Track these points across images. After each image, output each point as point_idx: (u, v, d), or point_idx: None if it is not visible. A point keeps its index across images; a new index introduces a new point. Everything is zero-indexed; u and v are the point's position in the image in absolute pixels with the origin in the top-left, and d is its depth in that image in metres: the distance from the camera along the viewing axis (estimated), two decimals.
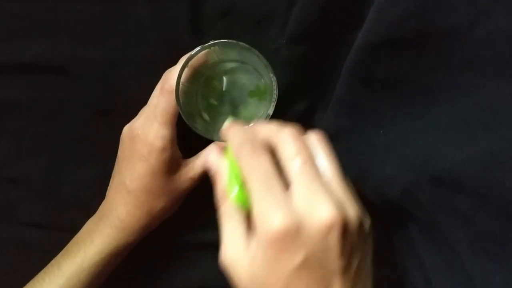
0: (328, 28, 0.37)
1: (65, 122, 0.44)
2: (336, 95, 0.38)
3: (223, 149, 0.32)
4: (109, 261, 0.38)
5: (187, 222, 0.44)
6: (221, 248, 0.29)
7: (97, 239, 0.38)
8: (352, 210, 0.28)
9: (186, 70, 0.36)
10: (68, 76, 0.42)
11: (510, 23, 0.26)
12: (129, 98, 0.41)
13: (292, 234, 0.26)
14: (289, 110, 0.43)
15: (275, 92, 0.36)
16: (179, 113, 0.37)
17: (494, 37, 0.26)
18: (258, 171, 0.28)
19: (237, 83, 0.40)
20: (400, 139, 0.34)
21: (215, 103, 0.40)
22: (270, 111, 0.37)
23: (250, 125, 0.32)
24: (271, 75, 0.36)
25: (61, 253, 0.39)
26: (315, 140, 0.30)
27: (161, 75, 0.38)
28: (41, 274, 0.38)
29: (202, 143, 0.40)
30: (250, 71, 0.40)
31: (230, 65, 0.40)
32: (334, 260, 0.27)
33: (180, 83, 0.36)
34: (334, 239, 0.26)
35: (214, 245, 0.44)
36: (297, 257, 0.26)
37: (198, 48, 0.36)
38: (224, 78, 0.40)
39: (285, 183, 0.28)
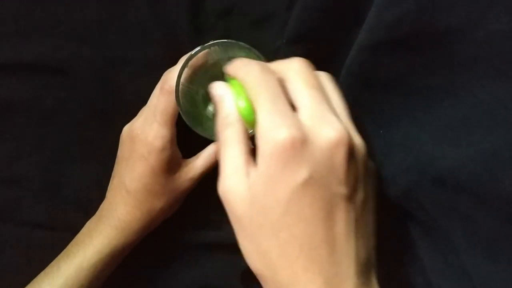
0: (328, 28, 0.37)
1: (65, 122, 0.44)
2: None
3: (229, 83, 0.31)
4: (109, 261, 0.38)
5: (187, 222, 0.44)
6: (220, 177, 0.28)
7: (96, 240, 0.38)
8: (359, 139, 0.27)
9: (186, 70, 0.36)
10: (68, 76, 0.42)
11: (510, 23, 0.26)
12: (129, 98, 0.41)
13: (298, 147, 0.25)
14: None
15: None
16: (179, 113, 0.37)
17: (494, 37, 0.26)
18: (266, 87, 0.27)
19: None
20: (400, 139, 0.34)
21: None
22: None
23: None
24: None
25: (61, 254, 0.39)
26: (325, 77, 0.30)
27: (161, 75, 0.38)
28: (41, 275, 0.38)
29: (202, 143, 0.40)
30: None
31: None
32: (339, 183, 0.26)
33: (180, 83, 0.36)
34: (340, 159, 0.25)
35: (214, 245, 0.44)
36: (301, 173, 0.25)
37: (198, 48, 0.36)
38: (224, 78, 0.40)
39: (293, 108, 0.27)
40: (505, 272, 0.27)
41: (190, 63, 0.36)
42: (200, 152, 0.40)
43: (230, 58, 0.39)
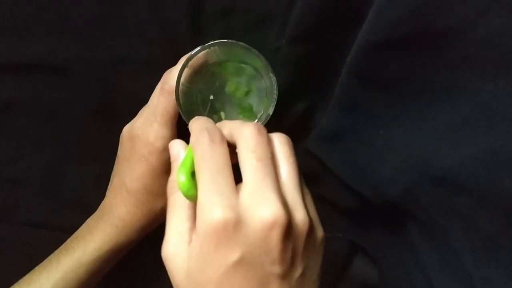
0: (328, 28, 0.37)
1: (65, 122, 0.44)
2: (336, 95, 0.38)
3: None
4: (108, 258, 0.38)
5: None
6: (164, 240, 0.28)
7: (97, 236, 0.38)
8: (301, 214, 0.27)
9: (186, 70, 0.36)
10: (68, 76, 0.42)
11: (510, 23, 0.26)
12: (129, 98, 0.41)
13: (230, 229, 0.25)
14: (289, 110, 0.43)
15: (275, 92, 0.36)
16: (179, 113, 0.37)
17: (494, 37, 0.26)
18: (210, 161, 0.27)
19: (237, 83, 0.40)
20: (400, 139, 0.34)
21: (215, 103, 0.40)
22: (270, 111, 0.37)
23: None
24: (271, 75, 0.36)
25: (59, 248, 0.39)
26: (278, 142, 0.30)
27: (161, 75, 0.38)
28: (39, 267, 0.38)
29: None
30: (250, 71, 0.39)
31: (230, 65, 0.40)
32: (273, 263, 0.26)
33: (180, 83, 0.36)
34: (275, 240, 0.25)
35: None
36: (233, 254, 0.25)
37: (198, 48, 0.36)
38: (224, 78, 0.40)
39: (240, 179, 0.27)
40: (505, 272, 0.27)
41: (190, 63, 0.36)
42: None
43: (230, 59, 0.39)
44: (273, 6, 0.40)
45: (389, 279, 0.41)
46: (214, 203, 0.25)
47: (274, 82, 0.36)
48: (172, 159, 0.32)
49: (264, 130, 0.29)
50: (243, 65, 0.39)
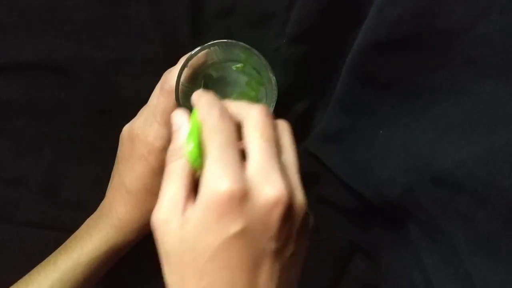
0: (328, 28, 0.37)
1: (65, 122, 0.44)
2: (336, 95, 0.38)
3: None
4: (106, 259, 0.38)
5: None
6: (156, 206, 0.28)
7: (95, 237, 0.38)
8: (301, 198, 0.28)
9: (186, 70, 0.36)
10: (68, 76, 0.42)
11: (510, 23, 0.26)
12: (129, 98, 0.41)
13: (237, 200, 0.25)
14: (289, 110, 0.43)
15: (275, 92, 0.36)
16: None
17: (494, 37, 0.26)
18: (220, 134, 0.27)
19: (237, 83, 0.40)
20: (400, 139, 0.34)
21: None
22: (270, 111, 0.37)
23: None
24: (271, 75, 0.36)
25: (58, 249, 0.39)
26: (282, 127, 0.30)
27: (161, 75, 0.38)
28: (38, 268, 0.38)
29: None
30: (250, 71, 0.39)
31: (230, 64, 0.40)
32: (271, 239, 0.27)
33: (180, 83, 0.36)
34: (275, 218, 0.26)
35: None
36: (235, 225, 0.25)
37: (198, 48, 0.36)
38: (224, 78, 0.40)
39: (243, 157, 0.28)
40: (505, 272, 0.27)
41: (190, 63, 0.36)
42: None
43: (230, 59, 0.39)
44: (273, 6, 0.40)
45: (389, 279, 0.41)
46: (223, 174, 0.26)
47: (274, 82, 0.36)
48: (174, 128, 0.31)
49: (271, 114, 0.30)
50: (243, 65, 0.39)
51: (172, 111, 0.37)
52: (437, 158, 0.30)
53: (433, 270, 0.34)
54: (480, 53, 0.27)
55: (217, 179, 0.26)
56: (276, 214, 0.26)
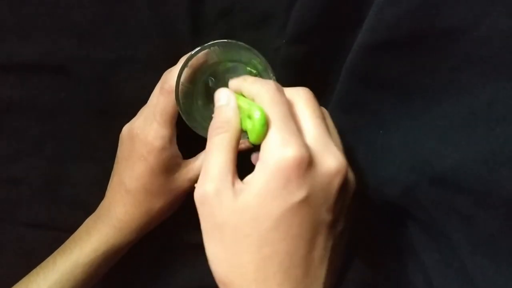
0: (328, 28, 0.37)
1: (65, 122, 0.44)
2: (336, 95, 0.38)
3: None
4: (105, 259, 0.38)
5: (187, 222, 0.44)
6: (201, 180, 0.28)
7: (94, 237, 0.38)
8: (352, 174, 0.29)
9: (186, 70, 0.36)
10: (68, 76, 0.42)
11: (510, 22, 0.26)
12: (129, 98, 0.41)
13: (304, 167, 0.25)
14: None
15: None
16: (179, 113, 0.37)
17: (494, 37, 0.26)
18: (281, 106, 0.28)
19: None
20: (400, 139, 0.34)
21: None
22: None
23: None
24: (271, 75, 0.36)
25: (58, 249, 0.39)
26: (326, 112, 0.32)
27: (161, 75, 0.38)
28: (37, 269, 0.38)
29: (202, 143, 0.40)
30: (250, 71, 0.40)
31: (230, 65, 0.40)
32: (328, 210, 0.27)
33: (180, 83, 0.36)
34: (335, 188, 0.27)
35: None
36: (300, 192, 0.26)
37: (198, 48, 0.36)
38: (224, 78, 0.40)
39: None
40: (505, 272, 0.27)
41: (190, 63, 0.36)
42: (200, 153, 0.40)
43: (229, 59, 0.39)
44: (273, 6, 0.40)
45: (389, 280, 0.41)
46: (289, 141, 0.26)
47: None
48: (218, 104, 0.31)
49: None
50: (243, 65, 0.39)
51: (172, 111, 0.37)
52: (437, 158, 0.30)
53: (433, 270, 0.34)
54: (480, 53, 0.27)
55: (285, 146, 0.26)
56: (336, 184, 0.27)
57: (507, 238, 0.27)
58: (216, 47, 0.37)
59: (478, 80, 0.28)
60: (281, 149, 0.26)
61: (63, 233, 0.41)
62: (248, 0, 0.40)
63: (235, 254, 0.27)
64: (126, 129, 0.39)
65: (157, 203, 0.39)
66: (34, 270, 0.38)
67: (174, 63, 0.38)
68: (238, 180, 0.27)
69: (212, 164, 0.28)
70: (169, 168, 0.38)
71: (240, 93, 0.31)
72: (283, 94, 0.29)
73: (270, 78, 0.36)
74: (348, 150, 0.40)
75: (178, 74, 0.36)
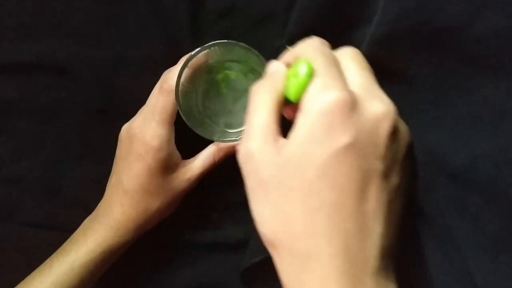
0: (328, 28, 0.37)
1: (65, 122, 0.44)
2: None
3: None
4: (102, 260, 0.38)
5: (187, 222, 0.44)
6: (245, 137, 0.27)
7: (90, 239, 0.38)
8: (405, 125, 0.28)
9: (186, 70, 0.36)
10: (68, 76, 0.42)
11: (507, 21, 0.26)
12: (129, 98, 0.41)
13: (346, 111, 0.24)
14: None
15: None
16: (178, 113, 0.37)
17: (492, 35, 0.26)
18: (325, 55, 0.27)
19: (237, 83, 0.40)
20: (414, 132, 0.34)
21: (215, 103, 0.40)
22: None
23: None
24: None
25: (55, 252, 0.39)
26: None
27: (161, 75, 0.38)
28: (35, 272, 0.38)
29: (202, 143, 0.40)
30: (250, 71, 0.40)
31: (230, 65, 0.40)
32: (378, 157, 0.25)
33: (180, 83, 0.36)
34: (384, 133, 0.25)
35: (214, 245, 0.44)
36: (346, 136, 0.24)
37: (198, 49, 0.36)
38: (224, 78, 0.40)
39: None
40: (508, 272, 0.27)
41: (190, 63, 0.36)
42: (199, 154, 0.40)
43: (230, 59, 0.39)
44: (273, 6, 0.40)
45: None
46: (332, 86, 0.25)
47: None
48: (269, 72, 0.30)
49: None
50: (243, 65, 0.39)
51: (171, 110, 0.37)
52: (449, 154, 0.30)
53: (434, 268, 0.34)
54: (480, 51, 0.27)
55: (326, 90, 0.25)
56: (385, 129, 0.25)
57: (511, 239, 0.27)
58: (216, 47, 0.37)
59: (482, 77, 0.28)
60: (322, 94, 0.25)
61: (63, 233, 0.41)
62: (248, 0, 0.40)
63: (281, 210, 0.25)
64: (124, 128, 0.39)
65: (155, 203, 0.39)
66: (32, 273, 0.38)
67: (174, 63, 0.38)
68: (281, 138, 0.26)
69: (254, 123, 0.27)
70: (167, 167, 0.38)
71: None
72: (327, 46, 0.29)
73: None
74: None
75: (178, 74, 0.36)
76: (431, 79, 0.31)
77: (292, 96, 0.27)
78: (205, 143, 0.40)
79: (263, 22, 0.41)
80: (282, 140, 0.26)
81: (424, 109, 0.32)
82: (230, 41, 0.36)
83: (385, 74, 0.34)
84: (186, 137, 0.38)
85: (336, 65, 0.27)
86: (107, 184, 0.41)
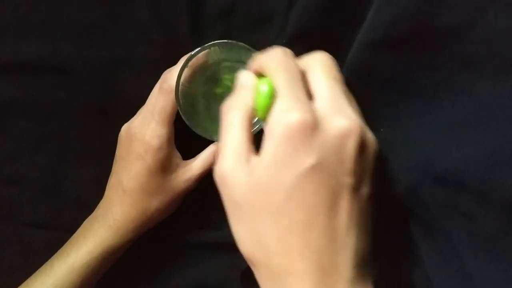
0: (328, 28, 0.37)
1: (65, 122, 0.44)
2: None
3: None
4: (102, 261, 0.38)
5: (187, 222, 0.44)
6: (219, 159, 0.27)
7: (90, 239, 0.38)
8: (372, 135, 0.27)
9: (186, 70, 0.36)
10: (68, 76, 0.42)
11: (508, 23, 0.26)
12: (129, 98, 0.41)
13: (309, 131, 0.25)
14: None
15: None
16: (178, 113, 0.37)
17: (493, 36, 0.26)
18: (287, 71, 0.27)
19: None
20: (402, 138, 0.34)
21: (215, 103, 0.40)
22: None
23: (255, 120, 0.31)
24: None
25: (56, 253, 0.39)
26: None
27: (161, 75, 0.38)
28: (36, 273, 0.38)
29: (202, 143, 0.40)
30: None
31: (230, 65, 0.40)
32: (347, 173, 0.26)
33: (180, 83, 0.36)
34: (350, 149, 0.25)
35: (213, 245, 0.44)
36: (310, 158, 0.25)
37: (198, 49, 0.36)
38: (224, 78, 0.40)
39: (311, 97, 0.27)
40: (506, 272, 0.27)
41: (190, 63, 0.36)
42: (199, 154, 0.40)
43: (229, 59, 0.39)
44: (273, 6, 0.40)
45: (388, 279, 0.41)
46: (293, 107, 0.25)
47: None
48: (238, 86, 0.30)
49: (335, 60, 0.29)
50: (243, 65, 0.39)
51: (170, 110, 0.37)
52: (439, 157, 0.30)
53: (433, 270, 0.34)
54: (478, 53, 0.27)
55: (288, 112, 0.25)
56: (351, 145, 0.25)
57: (508, 238, 0.27)
58: (216, 47, 0.37)
59: (477, 79, 0.28)
60: (284, 117, 0.25)
61: (63, 233, 0.41)
62: (248, 0, 0.40)
63: (255, 230, 0.26)
64: (124, 128, 0.39)
65: (154, 203, 0.39)
66: (33, 275, 0.38)
67: (174, 63, 0.38)
68: (254, 155, 0.27)
69: (227, 145, 0.27)
70: (166, 167, 0.38)
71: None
72: (290, 58, 0.28)
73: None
74: None
75: (178, 74, 0.36)
76: (424, 83, 0.31)
77: (258, 115, 0.28)
78: (205, 143, 0.40)
79: (263, 22, 0.41)
80: (254, 159, 0.26)
81: (415, 113, 0.33)
82: (230, 41, 0.36)
83: (375, 78, 0.34)
84: (186, 137, 0.38)
85: (299, 80, 0.27)
86: (107, 184, 0.41)
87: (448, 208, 0.31)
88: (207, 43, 0.36)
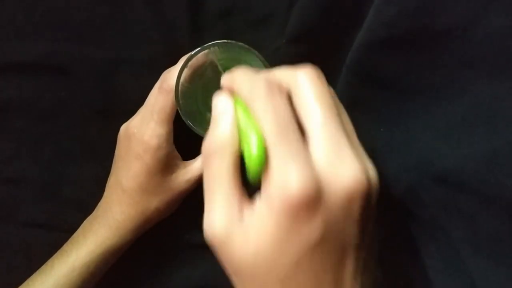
0: (328, 28, 0.37)
1: (65, 122, 0.44)
2: (336, 94, 0.38)
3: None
4: (102, 261, 0.38)
5: (187, 222, 0.44)
6: (207, 219, 0.24)
7: (90, 239, 0.38)
8: (374, 173, 0.24)
9: (185, 70, 0.36)
10: (68, 76, 0.42)
11: (508, 22, 0.26)
12: (129, 98, 0.41)
13: (312, 202, 0.22)
14: None
15: None
16: (178, 113, 0.37)
17: (493, 36, 0.26)
18: (276, 115, 0.23)
19: None
20: (401, 138, 0.34)
21: None
22: None
23: None
24: None
25: (56, 253, 0.39)
26: (333, 91, 0.26)
27: (161, 75, 0.38)
28: (36, 273, 0.38)
29: (202, 144, 0.40)
30: None
31: (230, 65, 0.40)
32: (353, 233, 0.23)
33: (180, 83, 0.36)
34: (357, 208, 0.23)
35: None
36: (316, 231, 0.22)
37: (198, 49, 0.36)
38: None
39: (302, 134, 0.24)
40: (507, 273, 0.27)
41: (190, 63, 0.36)
42: (200, 155, 0.40)
43: (229, 59, 0.39)
44: (273, 6, 0.40)
45: (388, 279, 0.41)
46: (290, 172, 0.22)
47: None
48: (214, 113, 0.26)
49: (321, 72, 0.25)
50: (243, 65, 0.39)
51: (170, 110, 0.37)
52: (439, 157, 0.30)
53: (433, 270, 0.34)
54: (479, 53, 0.27)
55: (286, 182, 0.22)
56: (358, 205, 0.23)
57: (508, 238, 0.27)
58: (216, 47, 0.36)
59: (477, 79, 0.28)
60: (282, 187, 0.22)
61: (63, 233, 0.41)
62: (248, 0, 0.40)
63: None
64: (123, 128, 0.39)
65: (154, 203, 0.39)
66: (33, 275, 0.38)
67: (174, 63, 0.38)
68: (248, 211, 0.24)
69: (214, 201, 0.24)
70: (165, 167, 0.38)
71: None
72: (276, 92, 0.24)
73: None
74: None
75: (178, 74, 0.36)
76: (424, 82, 0.31)
77: (249, 176, 0.24)
78: None
79: (263, 22, 0.41)
80: (247, 217, 0.23)
81: (415, 114, 0.33)
82: (230, 41, 0.36)
83: (375, 78, 0.34)
84: (186, 137, 0.38)
85: (292, 124, 0.23)
86: (106, 184, 0.41)
87: (448, 208, 0.31)
88: (207, 43, 0.36)
